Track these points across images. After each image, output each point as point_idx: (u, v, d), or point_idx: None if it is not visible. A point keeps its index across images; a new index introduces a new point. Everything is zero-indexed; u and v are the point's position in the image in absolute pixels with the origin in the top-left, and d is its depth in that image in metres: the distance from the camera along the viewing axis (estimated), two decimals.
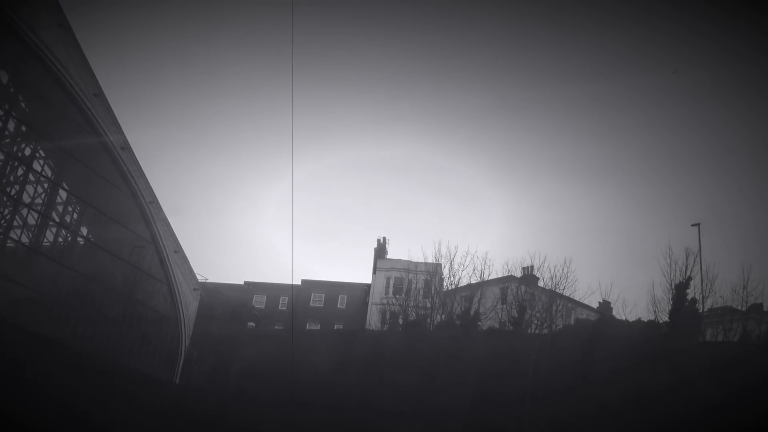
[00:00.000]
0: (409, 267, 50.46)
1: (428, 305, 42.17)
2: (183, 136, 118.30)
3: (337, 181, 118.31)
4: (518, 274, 42.74)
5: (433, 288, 42.99)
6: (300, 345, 38.21)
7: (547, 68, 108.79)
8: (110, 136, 29.58)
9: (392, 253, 56.76)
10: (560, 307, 43.09)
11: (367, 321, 51.81)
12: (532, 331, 40.42)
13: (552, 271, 41.57)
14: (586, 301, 55.09)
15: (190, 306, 34.09)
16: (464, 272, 42.58)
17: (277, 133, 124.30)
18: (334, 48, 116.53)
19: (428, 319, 39.25)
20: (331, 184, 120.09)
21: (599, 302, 62.48)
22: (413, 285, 47.59)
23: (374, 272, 54.86)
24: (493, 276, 42.76)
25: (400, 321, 43.67)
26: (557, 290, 42.36)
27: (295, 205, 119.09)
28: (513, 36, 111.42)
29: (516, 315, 38.73)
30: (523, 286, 43.49)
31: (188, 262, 34.20)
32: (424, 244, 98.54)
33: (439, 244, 58.14)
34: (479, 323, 39.49)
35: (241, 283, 56.14)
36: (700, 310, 40.59)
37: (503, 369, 35.19)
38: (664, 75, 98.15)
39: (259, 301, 55.10)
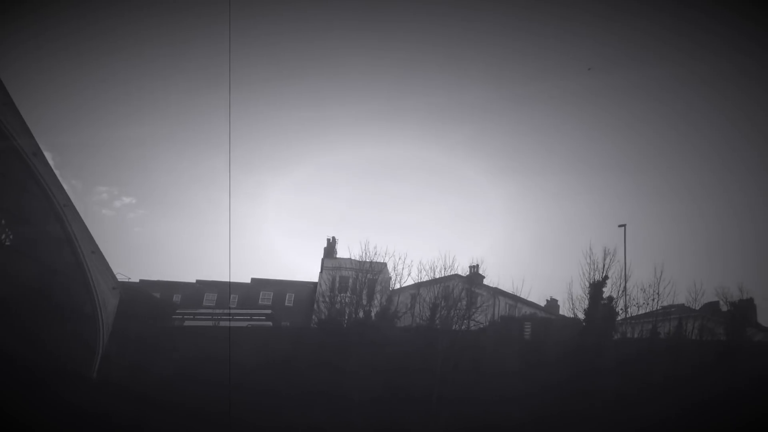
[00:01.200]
0: (355, 266, 51.90)
1: (365, 303, 43.74)
2: (181, 132, 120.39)
3: (334, 179, 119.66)
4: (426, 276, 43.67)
5: (358, 285, 44.38)
6: (226, 340, 39.89)
7: (542, 63, 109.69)
8: (20, 143, 31.05)
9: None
10: (481, 304, 44.38)
11: (313, 319, 53.29)
12: (457, 327, 41.61)
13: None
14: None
15: (109, 304, 35.60)
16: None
17: (280, 131, 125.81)
18: (330, 42, 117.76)
19: (344, 316, 40.59)
20: (329, 183, 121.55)
21: (547, 300, 63.72)
22: (357, 283, 49.14)
23: (321, 271, 56.32)
24: (408, 277, 44.15)
25: (346, 318, 44.93)
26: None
27: (293, 201, 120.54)
28: (511, 30, 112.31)
29: (429, 312, 39.90)
30: (445, 284, 44.87)
31: (107, 261, 35.72)
32: (376, 244, 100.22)
33: (366, 244, 59.66)
34: (397, 320, 40.88)
35: (193, 281, 57.76)
36: (617, 308, 41.83)
37: (413, 365, 36.51)
38: (668, 68, 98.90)
39: (210, 299, 56.62)
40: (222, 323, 50.10)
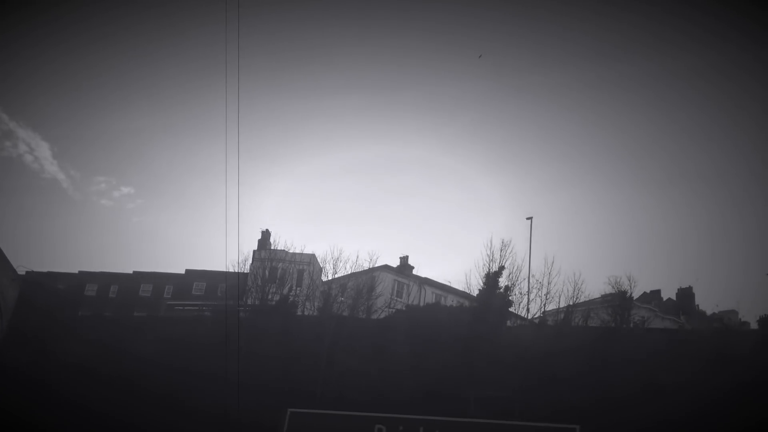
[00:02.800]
0: (286, 257, 53.42)
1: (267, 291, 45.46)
2: (179, 122, 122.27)
3: (329, 174, 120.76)
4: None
5: (279, 274, 46.01)
6: (129, 330, 41.57)
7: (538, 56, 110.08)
8: None
9: None
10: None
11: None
12: (362, 316, 42.98)
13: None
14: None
15: (8, 295, 37.25)
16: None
17: (276, 126, 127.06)
18: (322, 35, 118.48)
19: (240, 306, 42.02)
20: (323, 178, 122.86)
21: (479, 290, 64.79)
22: (287, 274, 50.86)
23: (252, 262, 57.73)
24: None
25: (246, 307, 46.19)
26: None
27: (295, 196, 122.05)
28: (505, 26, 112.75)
29: (321, 302, 41.24)
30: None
31: (5, 254, 37.32)
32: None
33: (278, 235, 61.02)
34: (295, 309, 42.37)
35: (130, 272, 59.28)
36: (510, 297, 43.03)
37: (300, 355, 37.79)
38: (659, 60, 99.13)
39: (145, 290, 58.15)
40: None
